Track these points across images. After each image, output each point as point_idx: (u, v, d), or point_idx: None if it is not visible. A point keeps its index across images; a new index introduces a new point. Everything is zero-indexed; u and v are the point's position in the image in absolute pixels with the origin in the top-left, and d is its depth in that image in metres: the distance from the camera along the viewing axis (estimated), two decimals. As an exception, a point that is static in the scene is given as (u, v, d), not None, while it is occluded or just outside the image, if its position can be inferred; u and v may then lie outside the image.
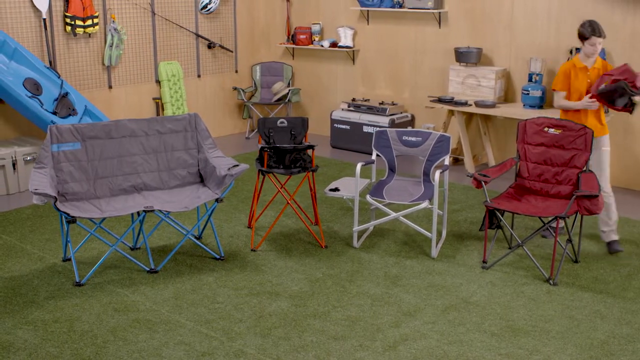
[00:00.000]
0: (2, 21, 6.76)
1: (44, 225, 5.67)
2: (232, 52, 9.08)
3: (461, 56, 7.43)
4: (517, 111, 6.95)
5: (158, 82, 8.25)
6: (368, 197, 5.11)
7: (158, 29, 8.16)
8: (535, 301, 4.37)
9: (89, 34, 7.48)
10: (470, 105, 7.24)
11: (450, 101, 7.35)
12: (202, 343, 3.82)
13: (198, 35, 8.59)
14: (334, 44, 8.73)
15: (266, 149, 5.19)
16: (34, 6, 6.95)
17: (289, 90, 8.85)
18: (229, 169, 4.88)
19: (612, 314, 4.20)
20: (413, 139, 5.40)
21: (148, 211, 4.57)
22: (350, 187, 5.51)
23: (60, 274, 4.71)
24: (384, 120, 7.92)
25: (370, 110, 8.14)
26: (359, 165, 5.15)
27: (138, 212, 4.64)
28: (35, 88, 6.50)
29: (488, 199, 4.78)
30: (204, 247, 5.06)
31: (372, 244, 5.32)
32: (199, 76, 8.74)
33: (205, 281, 4.63)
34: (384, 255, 5.10)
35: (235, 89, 9.03)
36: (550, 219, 5.31)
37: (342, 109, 8.39)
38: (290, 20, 9.18)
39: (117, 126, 4.98)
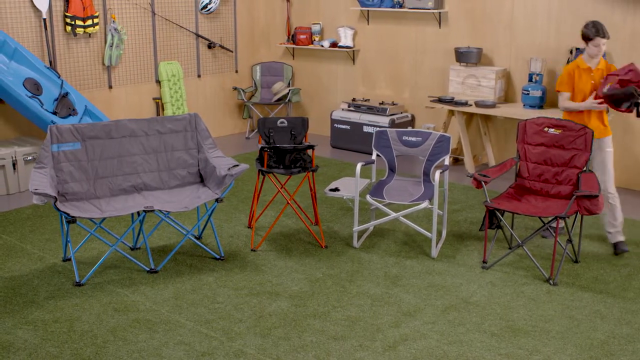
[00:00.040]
0: (2, 21, 6.76)
1: (44, 225, 5.68)
2: (232, 52, 9.08)
3: (461, 56, 7.43)
4: (517, 111, 6.95)
5: (158, 82, 8.26)
6: (368, 197, 5.11)
7: (158, 29, 8.17)
8: (535, 301, 4.37)
9: (89, 34, 7.48)
10: (471, 105, 7.24)
11: (451, 101, 7.35)
12: (202, 343, 3.82)
13: (198, 35, 8.59)
14: (334, 44, 8.73)
15: (266, 149, 5.19)
16: (34, 6, 6.96)
17: (289, 90, 8.86)
18: (229, 169, 4.88)
19: (612, 314, 4.20)
20: (413, 139, 5.40)
21: (148, 211, 4.57)
22: (350, 187, 5.51)
23: (60, 274, 4.72)
24: (384, 120, 7.92)
25: (371, 110, 8.14)
26: (359, 165, 5.15)
27: (138, 212, 4.64)
28: (35, 88, 6.50)
29: (488, 199, 4.78)
30: (204, 247, 5.06)
31: (372, 244, 5.32)
32: (199, 76, 8.74)
33: (205, 281, 4.63)
34: (384, 255, 5.10)
35: (235, 89, 9.03)
36: (550, 219, 5.31)
37: (342, 109, 8.39)
38: (290, 20, 9.18)
39: (117, 126, 4.98)
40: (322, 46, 8.72)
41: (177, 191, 5.10)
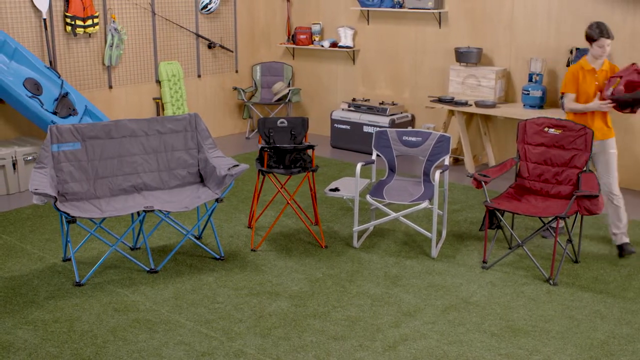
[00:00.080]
0: (3, 21, 6.76)
1: (44, 225, 5.68)
2: (232, 52, 9.08)
3: (461, 56, 7.43)
4: (517, 111, 6.95)
5: (158, 82, 8.26)
6: (368, 197, 5.11)
7: (158, 29, 8.17)
8: (535, 301, 4.37)
9: (89, 34, 7.48)
10: (471, 105, 7.24)
11: (451, 101, 7.35)
12: (202, 343, 3.82)
13: (198, 35, 8.59)
14: (334, 44, 8.73)
15: (266, 149, 5.19)
16: (34, 6, 6.96)
17: (289, 90, 8.86)
18: (229, 169, 4.88)
19: (612, 314, 4.20)
20: (413, 139, 5.40)
21: (148, 211, 4.57)
22: (350, 187, 5.51)
23: (60, 274, 4.72)
24: (384, 120, 7.92)
25: (371, 110, 8.14)
26: (359, 165, 5.15)
27: (138, 212, 4.64)
28: (35, 88, 6.50)
29: (488, 199, 4.78)
30: (204, 247, 5.06)
31: (372, 244, 5.32)
32: (199, 76, 8.75)
33: (205, 281, 4.63)
34: (384, 255, 5.10)
35: (235, 89, 9.03)
36: (550, 219, 5.31)
37: (342, 109, 8.39)
38: (290, 20, 9.18)
39: (117, 126, 4.98)
40: (322, 46, 8.72)
41: (177, 191, 5.10)
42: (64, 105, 6.60)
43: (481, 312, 4.22)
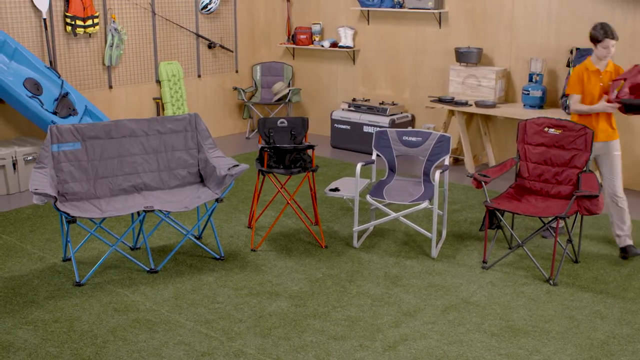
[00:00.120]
0: (3, 21, 6.76)
1: (44, 225, 5.68)
2: (232, 52, 9.08)
3: (461, 56, 7.43)
4: (517, 111, 6.95)
5: (158, 82, 8.26)
6: (368, 197, 5.11)
7: (158, 29, 8.17)
8: (535, 301, 4.37)
9: (90, 34, 7.48)
10: (471, 105, 7.24)
11: (451, 101, 7.35)
12: (202, 343, 3.82)
13: (198, 35, 8.59)
14: (334, 44, 8.73)
15: (266, 149, 5.19)
16: (34, 6, 6.96)
17: (289, 90, 8.86)
18: (229, 169, 4.89)
19: (612, 314, 4.20)
20: (413, 139, 5.40)
21: (148, 211, 4.57)
22: (350, 187, 5.51)
23: (60, 274, 4.72)
24: (384, 120, 7.92)
25: (371, 110, 8.14)
26: (359, 165, 5.15)
27: (138, 212, 4.64)
28: (35, 88, 6.50)
29: (488, 199, 4.78)
30: (204, 247, 5.06)
31: (372, 244, 5.32)
32: (199, 76, 8.75)
33: (205, 281, 4.63)
34: (384, 255, 5.10)
35: (235, 89, 9.03)
36: (550, 219, 5.30)
37: (343, 109, 8.39)
38: (290, 20, 9.18)
39: (117, 126, 4.98)
40: (322, 46, 8.72)
41: (177, 191, 5.10)
42: (64, 105, 6.60)
43: (481, 312, 4.21)
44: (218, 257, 5.01)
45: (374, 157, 5.44)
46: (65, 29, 7.23)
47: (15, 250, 5.15)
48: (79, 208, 4.67)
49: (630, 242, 5.06)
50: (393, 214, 5.12)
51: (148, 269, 4.75)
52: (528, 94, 6.95)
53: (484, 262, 4.90)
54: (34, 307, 4.23)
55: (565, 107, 6.68)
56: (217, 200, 4.80)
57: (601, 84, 4.96)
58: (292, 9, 9.15)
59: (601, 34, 4.84)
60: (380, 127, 7.88)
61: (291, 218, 5.90)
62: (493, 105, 7.09)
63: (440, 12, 7.78)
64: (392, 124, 7.90)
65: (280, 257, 5.05)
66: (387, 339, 3.88)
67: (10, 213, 5.98)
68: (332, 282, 4.64)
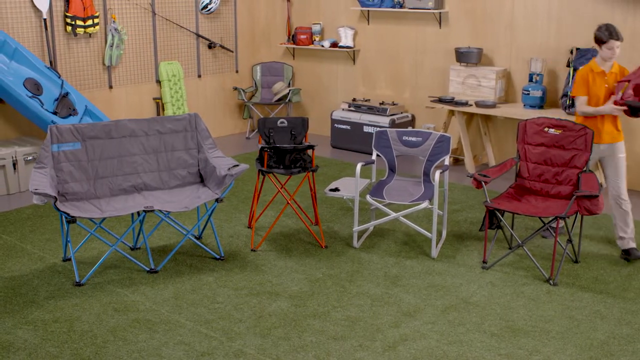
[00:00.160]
0: (3, 21, 6.76)
1: (44, 225, 5.68)
2: (232, 52, 9.08)
3: (462, 56, 7.43)
4: (517, 111, 6.95)
5: (158, 82, 8.26)
6: (368, 197, 5.11)
7: (158, 29, 8.17)
8: (535, 301, 4.37)
9: (90, 34, 7.49)
10: (471, 105, 7.24)
11: (451, 101, 7.35)
12: (201, 343, 3.83)
13: (198, 35, 8.59)
14: (334, 44, 8.73)
15: (266, 149, 5.19)
16: (34, 6, 6.96)
17: (290, 90, 8.86)
18: (229, 169, 4.89)
19: (612, 314, 4.20)
20: (413, 139, 5.40)
21: (148, 211, 4.57)
22: (350, 187, 5.51)
23: (60, 274, 4.72)
24: (384, 121, 7.92)
25: (371, 110, 8.14)
26: (359, 165, 5.15)
27: (138, 212, 4.64)
28: (35, 88, 6.50)
29: (488, 199, 4.78)
30: (204, 247, 5.06)
31: (372, 244, 5.32)
32: (199, 76, 8.75)
33: (205, 281, 4.63)
34: (384, 256, 5.10)
35: (235, 89, 9.03)
36: (550, 219, 5.30)
37: (343, 109, 8.39)
38: (290, 20, 9.18)
39: (117, 126, 4.98)
40: (322, 46, 8.72)
41: (177, 191, 5.10)
42: (64, 105, 6.60)
43: (481, 312, 4.21)
44: (218, 257, 5.01)
45: (374, 157, 5.44)
46: (66, 29, 7.23)
47: (15, 250, 5.15)
48: (79, 208, 4.67)
49: (633, 245, 5.04)
50: (393, 214, 5.12)
51: (148, 269, 4.75)
52: (528, 94, 6.95)
53: (484, 262, 4.90)
54: (34, 307, 4.23)
55: (566, 107, 6.68)
56: (217, 200, 4.80)
57: (606, 85, 4.93)
58: (293, 9, 9.16)
59: (606, 35, 4.81)
60: (380, 127, 7.88)
61: (291, 218, 5.90)
62: (493, 105, 7.09)
63: (440, 12, 7.78)
64: (392, 124, 7.90)
65: (280, 257, 5.05)
66: (387, 339, 3.88)
67: (10, 213, 5.99)
68: (332, 282, 4.64)
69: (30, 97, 6.37)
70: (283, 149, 5.18)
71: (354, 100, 8.41)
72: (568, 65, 6.78)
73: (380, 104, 8.16)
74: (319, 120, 9.20)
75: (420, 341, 3.87)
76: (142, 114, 8.15)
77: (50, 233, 5.50)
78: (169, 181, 5.15)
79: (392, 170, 5.49)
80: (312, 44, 8.91)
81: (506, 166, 5.11)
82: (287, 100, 8.84)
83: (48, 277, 4.68)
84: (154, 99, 8.24)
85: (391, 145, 5.45)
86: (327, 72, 8.99)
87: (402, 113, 8.21)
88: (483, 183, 4.81)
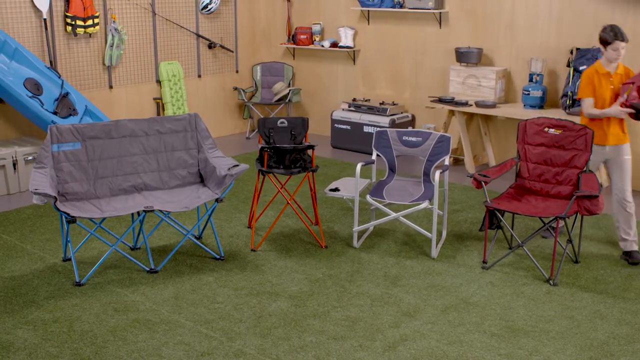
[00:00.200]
0: (3, 21, 6.76)
1: (44, 225, 5.68)
2: (232, 52, 9.09)
3: (462, 56, 7.43)
4: (517, 111, 6.95)
5: (159, 82, 8.26)
6: (368, 197, 5.11)
7: (159, 29, 8.17)
8: (535, 301, 4.37)
9: (90, 34, 7.49)
10: (471, 105, 7.24)
11: (451, 101, 7.35)
12: (201, 343, 3.82)
13: (199, 36, 8.59)
14: (334, 44, 8.73)
15: (266, 149, 5.19)
16: (34, 6, 6.96)
17: (290, 90, 8.86)
18: (229, 169, 4.89)
19: (612, 315, 4.20)
20: (413, 139, 5.40)
21: (148, 211, 4.57)
22: (350, 187, 5.51)
23: (60, 274, 4.72)
24: (384, 121, 7.92)
25: (371, 110, 8.14)
26: (359, 166, 5.15)
27: (138, 212, 4.64)
28: (35, 88, 6.50)
29: (488, 199, 4.78)
30: (204, 247, 5.06)
31: (372, 244, 5.32)
32: (199, 76, 8.75)
33: (205, 281, 4.63)
34: (384, 256, 5.10)
35: (235, 89, 9.03)
36: (550, 219, 5.30)
37: (343, 109, 8.39)
38: (290, 21, 9.18)
39: (117, 126, 4.98)
40: (322, 46, 8.72)
41: (177, 191, 5.10)
42: (64, 105, 6.60)
43: (481, 312, 4.21)
44: (218, 257, 5.01)
45: (374, 157, 5.44)
46: (66, 29, 7.23)
47: (15, 250, 5.15)
48: (79, 208, 4.67)
49: (635, 247, 5.01)
50: (393, 214, 5.12)
51: (148, 269, 4.75)
52: (528, 94, 6.95)
53: (484, 262, 4.90)
54: (34, 307, 4.23)
55: (566, 107, 6.68)
56: (217, 200, 4.80)
57: (612, 87, 4.90)
58: (293, 9, 9.16)
59: (611, 36, 4.79)
60: (380, 127, 7.88)
61: (291, 218, 5.90)
62: (493, 106, 7.09)
63: (440, 12, 7.78)
64: (392, 124, 7.90)
65: (280, 257, 5.05)
66: (387, 339, 3.88)
67: (10, 213, 5.99)
68: (332, 282, 4.64)
69: (30, 97, 6.37)
70: (283, 149, 5.18)
71: (354, 100, 8.41)
72: (568, 65, 6.78)
73: (381, 104, 8.16)
74: (319, 120, 9.20)
75: (420, 341, 3.87)
76: (142, 114, 8.15)
77: (50, 233, 5.50)
78: (169, 181, 5.15)
79: (392, 170, 5.49)
80: (312, 44, 8.91)
81: (506, 166, 5.11)
82: (287, 100, 8.84)
83: (48, 277, 4.68)
84: (154, 99, 8.24)
85: (391, 145, 5.45)
86: (327, 72, 8.99)
87: (402, 113, 8.21)
88: (483, 183, 4.81)
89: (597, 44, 6.74)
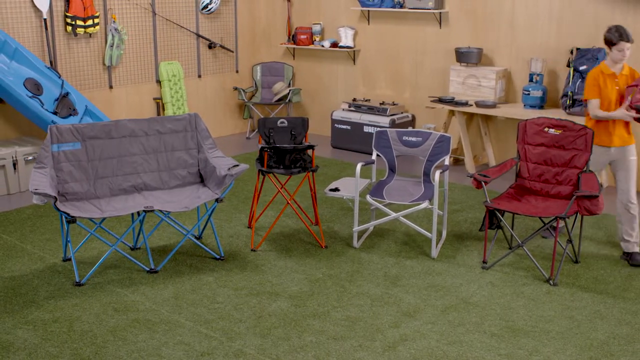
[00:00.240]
0: (3, 21, 6.76)
1: (44, 225, 5.68)
2: (232, 52, 9.09)
3: (462, 56, 7.43)
4: (517, 111, 6.94)
5: (159, 82, 8.26)
6: (368, 197, 5.11)
7: (159, 29, 8.17)
8: (535, 301, 4.37)
9: (90, 34, 7.49)
10: (471, 105, 7.24)
11: (451, 101, 7.35)
12: (201, 343, 3.82)
13: (199, 36, 8.59)
14: (334, 44, 8.73)
15: (266, 149, 5.19)
16: (34, 6, 6.96)
17: (290, 90, 8.86)
18: (229, 169, 4.89)
19: (612, 315, 4.20)
20: (413, 139, 5.40)
21: (148, 211, 4.57)
22: (350, 187, 5.51)
23: (60, 274, 4.72)
24: (384, 121, 7.92)
25: (371, 110, 8.14)
26: (359, 166, 5.15)
27: (138, 212, 4.64)
28: (35, 88, 6.50)
29: (488, 199, 4.78)
30: (204, 247, 5.06)
31: (372, 244, 5.32)
32: (199, 76, 8.75)
33: (205, 281, 4.63)
34: (384, 256, 5.10)
35: (235, 89, 9.03)
36: (550, 219, 5.30)
37: (343, 109, 8.39)
38: (291, 21, 9.18)
39: (117, 126, 4.98)
40: (322, 46, 8.72)
41: (177, 191, 5.10)
42: (64, 105, 6.60)
43: (481, 313, 4.21)
44: (218, 257, 5.01)
45: (374, 157, 5.44)
46: (66, 29, 7.23)
47: (15, 250, 5.15)
48: (79, 208, 4.67)
49: (637, 249, 5.01)
50: (393, 214, 5.12)
51: (148, 269, 4.75)
52: (528, 94, 6.94)
53: (484, 262, 4.90)
54: (34, 307, 4.23)
55: (566, 107, 6.68)
56: (217, 200, 4.80)
57: (617, 88, 4.89)
58: (293, 9, 9.16)
59: (616, 36, 4.77)
60: (380, 127, 7.88)
61: (291, 218, 5.90)
62: (493, 106, 7.09)
63: (440, 12, 7.78)
64: (393, 124, 7.90)
65: (280, 257, 5.05)
66: (387, 339, 3.88)
67: (10, 213, 5.99)
68: (332, 282, 4.64)
69: (30, 97, 6.38)
70: (283, 149, 5.18)
71: (354, 100, 8.41)
72: (568, 66, 6.78)
73: (381, 104, 8.16)
74: (319, 120, 9.20)
75: (420, 341, 3.87)
76: (142, 114, 8.15)
77: (50, 233, 5.50)
78: (169, 181, 5.15)
79: (392, 170, 5.49)
80: (313, 44, 8.91)
81: (506, 166, 5.11)
82: (287, 100, 8.84)
83: (48, 277, 4.68)
84: (154, 99, 8.25)
85: (391, 145, 5.45)
86: (328, 72, 8.99)
87: (402, 113, 8.21)
88: (483, 183, 4.81)
89: (597, 44, 6.74)
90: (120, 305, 4.27)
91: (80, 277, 4.64)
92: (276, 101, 8.90)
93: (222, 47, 8.85)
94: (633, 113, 4.76)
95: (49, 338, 3.87)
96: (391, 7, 8.07)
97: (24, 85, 6.43)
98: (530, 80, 7.05)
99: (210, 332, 3.95)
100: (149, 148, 5.10)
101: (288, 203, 5.28)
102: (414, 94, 8.25)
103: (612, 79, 4.90)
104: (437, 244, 5.25)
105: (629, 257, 5.00)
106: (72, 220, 4.39)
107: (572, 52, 6.78)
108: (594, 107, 4.93)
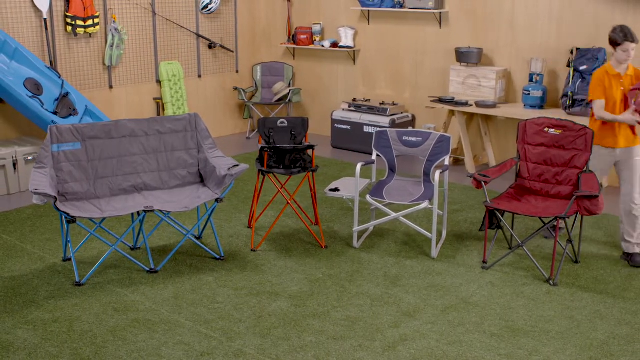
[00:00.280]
0: (3, 21, 6.76)
1: (44, 225, 5.68)
2: (232, 52, 9.09)
3: (462, 56, 7.43)
4: (517, 111, 6.95)
5: (159, 82, 8.26)
6: (368, 197, 5.11)
7: (159, 29, 8.17)
8: (535, 301, 4.37)
9: (90, 34, 7.49)
10: (471, 105, 7.24)
11: (451, 101, 7.35)
12: (201, 343, 3.83)
13: (199, 36, 8.59)
14: (334, 44, 8.73)
15: (266, 149, 5.19)
16: (34, 6, 6.96)
17: (290, 90, 8.86)
18: (229, 169, 4.89)
19: (612, 315, 4.20)
20: (413, 139, 5.40)
21: (148, 211, 4.57)
22: (350, 187, 5.51)
23: (60, 274, 4.72)
24: (384, 121, 7.92)
25: (371, 110, 8.14)
26: (359, 166, 5.15)
27: (138, 212, 4.64)
28: (36, 88, 6.50)
29: (488, 199, 4.78)
30: (204, 247, 5.06)
31: (372, 244, 5.32)
32: (199, 76, 8.75)
33: (205, 281, 4.63)
34: (384, 256, 5.10)
35: (235, 89, 9.03)
36: (550, 219, 5.30)
37: (343, 109, 8.39)
38: (291, 21, 9.18)
39: (117, 126, 4.99)
40: (322, 46, 8.72)
41: (177, 191, 5.10)
42: (64, 105, 6.60)
43: (481, 313, 4.21)
44: (218, 257, 5.01)
45: (374, 157, 5.44)
46: (66, 29, 7.23)
47: (15, 250, 5.15)
48: (79, 208, 4.67)
49: (637, 250, 5.00)
50: (393, 214, 5.12)
51: (148, 269, 4.75)
52: (528, 94, 6.94)
53: (484, 262, 4.90)
54: (34, 307, 4.23)
55: (566, 108, 6.68)
56: (217, 200, 4.80)
57: (622, 88, 4.87)
58: (293, 9, 9.16)
59: (620, 36, 4.76)
60: (380, 127, 7.89)
61: (291, 218, 5.90)
62: (493, 106, 7.09)
63: (440, 12, 7.78)
64: (393, 124, 7.90)
65: (280, 257, 5.05)
66: (387, 339, 3.88)
67: (10, 213, 5.99)
68: (332, 282, 4.64)
69: (30, 97, 6.38)
70: (283, 149, 5.18)
71: (354, 100, 8.41)
72: (568, 66, 6.78)
73: (381, 104, 8.16)
74: (319, 120, 9.20)
75: (420, 341, 3.87)
76: (142, 114, 8.15)
77: (50, 233, 5.50)
78: (169, 181, 5.15)
79: (392, 170, 5.49)
80: (313, 44, 8.91)
81: (506, 166, 5.11)
82: (287, 100, 8.84)
83: (48, 277, 4.68)
84: (154, 99, 8.25)
85: (391, 145, 5.45)
86: (328, 72, 8.99)
87: (402, 113, 8.21)
88: (483, 183, 4.81)
89: (597, 44, 6.74)
90: (120, 305, 4.27)
91: (80, 277, 4.64)
92: (276, 101, 8.90)
93: (222, 47, 8.85)
94: (638, 117, 4.75)
95: (49, 338, 3.87)
96: (391, 7, 8.07)
97: (24, 85, 6.43)
98: (531, 80, 7.05)
99: (210, 332, 3.95)
100: (149, 148, 5.10)
101: (288, 203, 5.28)
102: (414, 94, 8.25)
103: (617, 80, 4.89)
104: (437, 244, 5.25)
105: (629, 257, 5.00)
106: (72, 220, 4.39)
107: (572, 52, 6.78)
108: (599, 108, 4.90)
